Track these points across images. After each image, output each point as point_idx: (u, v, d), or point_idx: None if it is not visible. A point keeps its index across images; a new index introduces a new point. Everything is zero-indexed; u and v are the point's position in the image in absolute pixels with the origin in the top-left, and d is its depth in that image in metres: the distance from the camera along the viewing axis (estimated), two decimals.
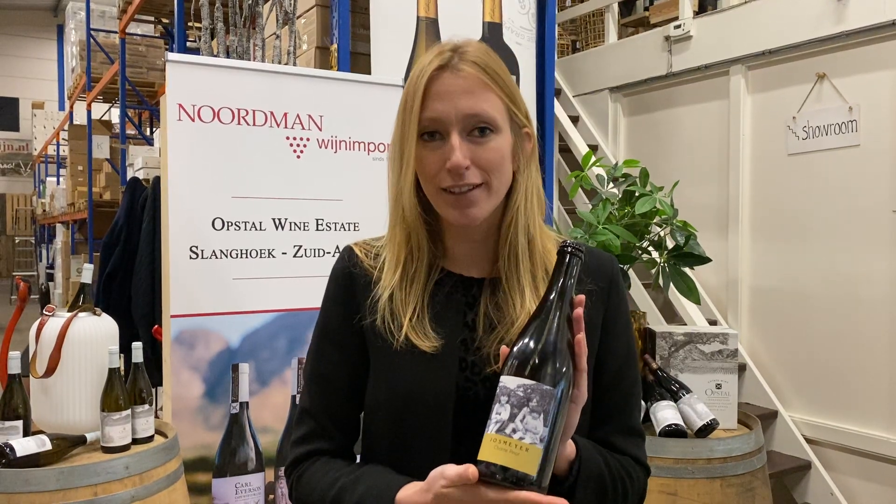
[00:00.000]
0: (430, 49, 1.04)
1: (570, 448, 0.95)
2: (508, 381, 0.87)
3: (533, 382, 0.85)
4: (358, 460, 1.12)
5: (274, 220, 2.35)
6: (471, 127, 0.99)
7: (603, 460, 1.00)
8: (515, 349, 0.88)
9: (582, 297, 0.91)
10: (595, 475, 0.97)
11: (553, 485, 0.91)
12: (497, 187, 1.01)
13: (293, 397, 2.36)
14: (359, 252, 1.12)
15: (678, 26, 4.47)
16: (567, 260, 0.92)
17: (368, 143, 2.51)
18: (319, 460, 1.07)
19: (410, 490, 0.93)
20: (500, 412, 0.85)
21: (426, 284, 1.06)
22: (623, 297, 1.12)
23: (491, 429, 0.85)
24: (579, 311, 0.90)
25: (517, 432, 0.84)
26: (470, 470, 0.84)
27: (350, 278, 1.10)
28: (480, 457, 0.85)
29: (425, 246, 1.06)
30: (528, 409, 0.84)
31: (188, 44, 5.11)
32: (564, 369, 0.88)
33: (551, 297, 0.91)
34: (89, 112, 8.15)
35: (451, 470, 0.87)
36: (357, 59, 3.04)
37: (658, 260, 2.47)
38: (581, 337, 0.89)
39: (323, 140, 2.43)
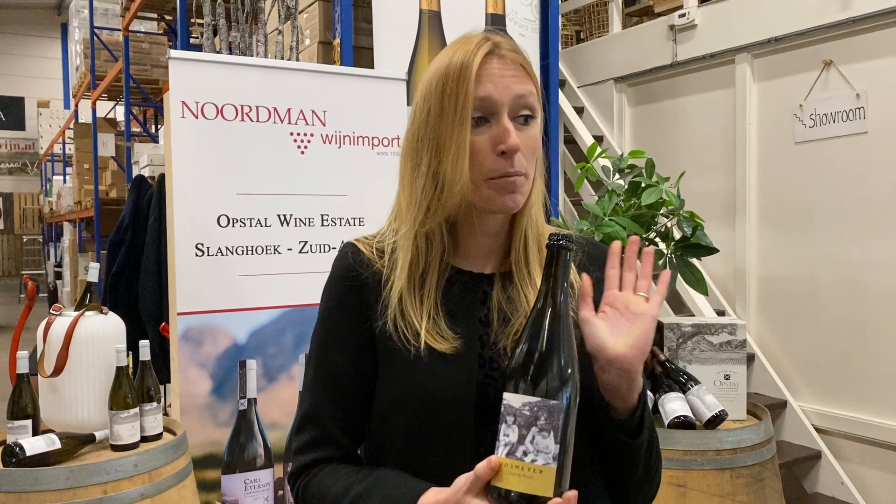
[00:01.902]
0: (464, 38, 1.01)
1: (631, 394, 0.95)
2: (512, 400, 0.83)
3: (538, 399, 0.82)
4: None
5: (279, 216, 2.35)
6: (517, 112, 0.99)
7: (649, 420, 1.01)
8: (513, 363, 0.85)
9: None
10: (650, 421, 0.99)
11: (617, 424, 0.95)
12: (531, 176, 1.01)
13: (301, 393, 2.36)
14: (363, 248, 1.08)
15: (683, 15, 4.44)
16: (557, 255, 0.88)
17: (372, 138, 2.51)
18: (327, 467, 1.03)
19: (432, 499, 0.90)
20: (507, 433, 0.82)
21: (438, 283, 1.03)
22: None
23: (500, 451, 0.82)
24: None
25: (528, 455, 0.81)
26: (493, 462, 0.83)
27: (358, 276, 1.06)
28: (494, 482, 0.82)
29: (442, 241, 1.03)
30: (536, 429, 0.81)
31: (191, 40, 5.10)
32: (568, 373, 0.84)
33: (546, 301, 0.87)
34: (94, 110, 8.17)
35: (470, 475, 0.85)
36: (360, 54, 3.03)
37: (665, 251, 2.46)
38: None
39: (327, 135, 2.43)
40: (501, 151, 0.96)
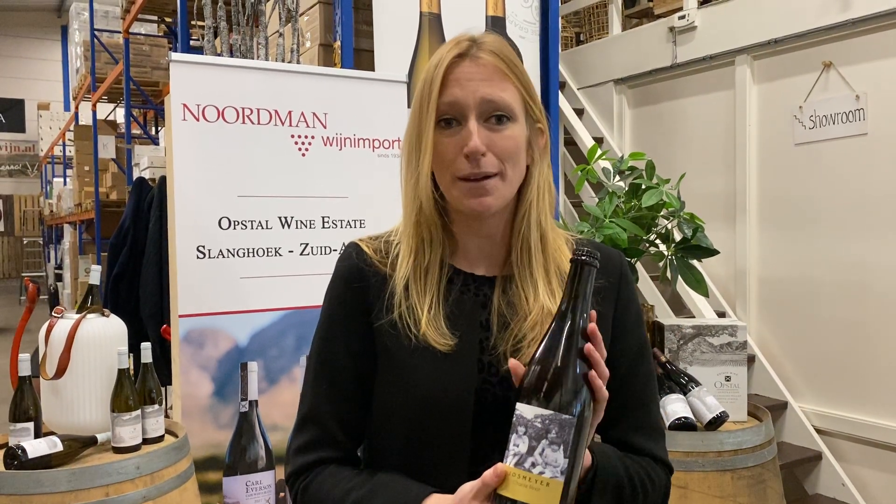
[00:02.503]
0: (449, 41, 1.03)
1: (585, 456, 0.92)
2: (525, 411, 0.83)
3: (550, 412, 0.82)
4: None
5: (280, 218, 2.35)
6: (488, 114, 0.98)
7: (622, 466, 0.98)
8: (530, 374, 0.85)
9: (593, 313, 0.88)
10: (612, 483, 0.95)
11: None
12: (512, 177, 1.00)
13: (301, 392, 2.36)
14: (366, 248, 1.08)
15: (682, 17, 4.44)
16: (581, 270, 0.87)
17: (373, 140, 2.51)
18: (327, 469, 1.03)
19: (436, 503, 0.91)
20: (517, 444, 0.82)
21: (439, 281, 1.03)
22: (633, 292, 1.10)
23: (509, 461, 0.82)
24: (589, 346, 0.85)
25: (537, 466, 0.81)
26: (499, 470, 0.82)
27: (361, 276, 1.06)
28: (500, 490, 0.83)
29: (438, 239, 1.03)
30: (546, 442, 0.81)
31: (191, 42, 5.11)
32: (583, 391, 0.84)
33: (566, 315, 0.86)
34: (94, 112, 8.17)
35: (476, 483, 0.84)
36: (360, 56, 3.04)
37: (665, 253, 2.46)
38: (593, 374, 0.85)
39: (327, 138, 2.43)
40: (466, 154, 0.97)
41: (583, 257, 0.87)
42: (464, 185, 0.99)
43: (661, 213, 2.47)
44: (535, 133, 1.04)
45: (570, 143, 4.90)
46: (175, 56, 2.23)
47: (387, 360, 1.03)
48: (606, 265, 1.07)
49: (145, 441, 1.87)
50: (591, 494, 0.93)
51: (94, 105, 8.15)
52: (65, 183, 11.80)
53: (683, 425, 2.12)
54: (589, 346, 0.85)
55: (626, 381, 1.05)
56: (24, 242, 17.55)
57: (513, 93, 1.00)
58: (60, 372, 1.87)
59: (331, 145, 2.44)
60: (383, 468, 1.02)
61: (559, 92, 3.90)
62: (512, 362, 0.89)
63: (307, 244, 2.40)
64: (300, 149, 2.39)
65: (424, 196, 1.01)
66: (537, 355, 0.86)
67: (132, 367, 1.91)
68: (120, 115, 9.25)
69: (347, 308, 1.06)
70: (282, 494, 2.33)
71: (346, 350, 1.05)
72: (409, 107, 2.55)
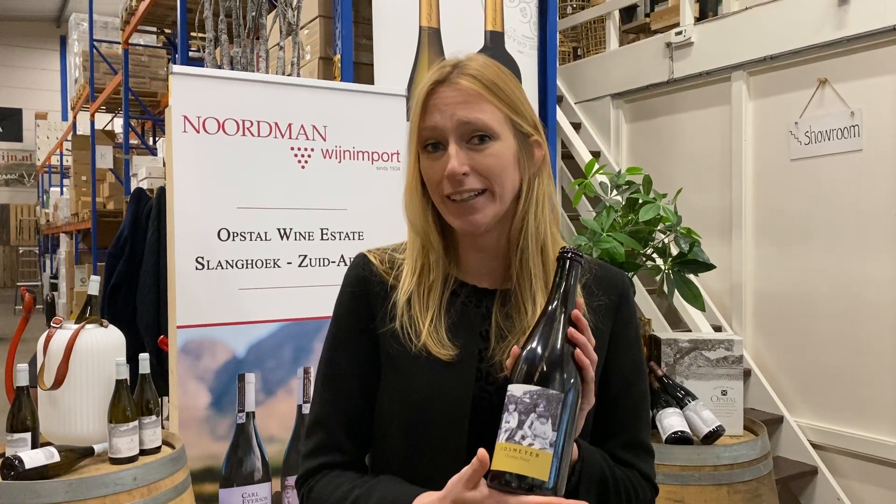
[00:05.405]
0: (434, 65, 1.08)
1: (573, 449, 0.96)
2: (515, 390, 0.88)
3: (538, 388, 0.86)
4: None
5: (279, 230, 2.36)
6: (468, 135, 1.02)
7: (607, 465, 1.02)
8: (520, 359, 0.90)
9: (580, 301, 0.94)
10: (598, 478, 0.99)
11: None
12: (500, 194, 1.03)
13: (299, 406, 2.36)
14: (373, 259, 1.13)
15: (679, 33, 4.48)
16: (566, 265, 0.94)
17: (372, 153, 2.52)
18: (331, 473, 1.07)
19: (426, 499, 0.94)
20: (508, 420, 0.86)
21: (442, 295, 1.07)
22: (632, 312, 1.13)
23: (501, 437, 0.86)
24: (572, 330, 0.91)
25: (526, 438, 0.85)
26: (480, 454, 0.86)
27: (366, 285, 1.10)
28: (493, 466, 0.86)
29: (440, 256, 1.07)
30: (535, 415, 0.85)
31: (191, 53, 5.13)
32: (570, 372, 0.89)
33: (553, 302, 0.92)
34: (92, 122, 8.18)
35: (463, 471, 0.88)
36: (360, 70, 3.06)
37: (662, 267, 2.47)
38: (579, 352, 0.90)
39: (327, 150, 2.44)
40: (446, 176, 1.02)
41: (567, 253, 0.94)
42: (452, 205, 1.03)
43: (658, 228, 2.49)
44: (528, 147, 1.06)
45: (568, 156, 4.92)
46: (176, 68, 2.24)
47: (389, 366, 1.07)
48: (609, 284, 1.11)
49: (142, 452, 1.87)
50: (579, 484, 0.97)
51: (93, 115, 8.16)
52: (62, 192, 11.80)
53: (680, 439, 2.13)
54: (573, 329, 0.91)
55: (620, 398, 1.08)
56: (20, 252, 17.51)
57: (492, 112, 1.02)
58: (59, 382, 1.87)
59: (330, 158, 2.45)
60: (385, 473, 1.05)
61: (556, 106, 3.93)
62: (512, 350, 0.93)
63: (306, 256, 2.40)
64: (300, 161, 2.40)
65: (412, 216, 1.07)
66: (526, 342, 0.91)
67: (130, 377, 1.91)
68: (118, 126, 9.26)
69: (353, 316, 1.10)
70: None
71: (352, 357, 1.09)
72: (408, 119, 2.57)
